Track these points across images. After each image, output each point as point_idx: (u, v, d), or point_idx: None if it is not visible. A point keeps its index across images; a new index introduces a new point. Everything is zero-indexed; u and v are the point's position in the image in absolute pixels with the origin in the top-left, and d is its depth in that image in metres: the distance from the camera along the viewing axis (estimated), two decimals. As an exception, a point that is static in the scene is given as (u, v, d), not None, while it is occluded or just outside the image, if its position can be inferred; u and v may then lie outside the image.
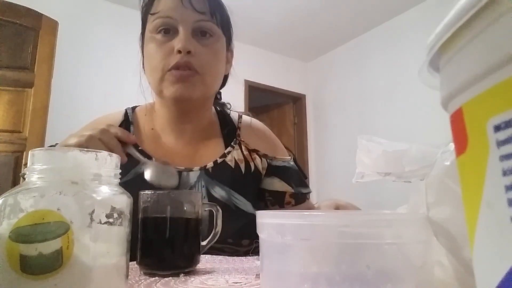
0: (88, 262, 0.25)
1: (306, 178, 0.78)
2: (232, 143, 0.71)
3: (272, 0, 3.05)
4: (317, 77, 4.15)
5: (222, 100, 0.83)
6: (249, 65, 3.61)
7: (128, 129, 0.69)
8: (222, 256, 0.56)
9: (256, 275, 0.40)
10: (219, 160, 0.68)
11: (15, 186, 0.27)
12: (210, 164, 0.67)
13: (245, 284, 0.36)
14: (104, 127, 0.53)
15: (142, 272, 0.42)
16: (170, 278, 0.39)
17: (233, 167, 0.68)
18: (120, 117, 0.71)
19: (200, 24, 0.63)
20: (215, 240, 0.48)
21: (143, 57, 0.69)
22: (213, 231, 0.48)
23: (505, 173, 0.10)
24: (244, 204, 0.65)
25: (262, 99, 4.09)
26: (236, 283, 0.36)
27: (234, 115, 0.78)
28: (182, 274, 0.41)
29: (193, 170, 0.65)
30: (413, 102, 2.96)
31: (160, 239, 0.42)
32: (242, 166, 0.69)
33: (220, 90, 0.81)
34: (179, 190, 0.62)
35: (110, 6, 2.99)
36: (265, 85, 3.85)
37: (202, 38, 0.64)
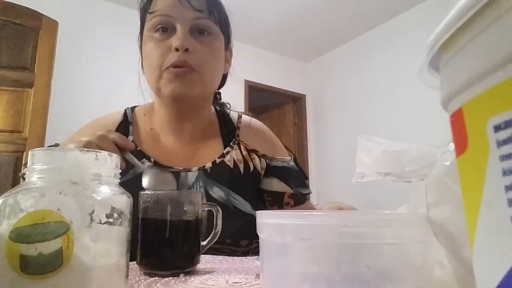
0: (88, 262, 0.25)
1: (307, 178, 0.78)
2: (231, 143, 0.71)
3: (272, 0, 3.05)
4: (317, 77, 4.15)
5: (222, 100, 0.83)
6: (249, 65, 3.61)
7: (127, 129, 0.69)
8: (222, 256, 0.56)
9: (256, 275, 0.40)
10: (218, 160, 0.68)
11: (15, 186, 0.27)
12: (208, 164, 0.67)
13: (245, 284, 0.36)
14: (102, 132, 0.53)
15: (142, 272, 0.42)
16: (170, 278, 0.39)
17: (232, 167, 0.68)
18: (119, 117, 0.71)
19: (198, 22, 0.63)
20: (215, 240, 0.48)
21: (141, 56, 0.69)
22: (213, 231, 0.48)
23: (505, 173, 0.10)
24: (242, 204, 0.65)
25: (262, 99, 4.09)
26: (236, 283, 0.36)
27: (233, 115, 0.78)
28: (182, 274, 0.41)
29: (191, 171, 0.65)
30: (413, 102, 2.96)
31: (160, 239, 0.42)
32: (241, 166, 0.69)
33: (220, 90, 0.81)
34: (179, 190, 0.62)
35: (110, 6, 2.99)
36: (265, 85, 3.85)
37: (200, 36, 0.64)
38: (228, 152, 0.70)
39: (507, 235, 0.10)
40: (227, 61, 0.74)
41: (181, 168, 0.65)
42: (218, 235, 0.48)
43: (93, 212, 0.25)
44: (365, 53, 3.56)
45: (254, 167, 0.70)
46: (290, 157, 0.76)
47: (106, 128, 0.68)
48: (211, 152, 0.70)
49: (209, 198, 0.63)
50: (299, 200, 0.71)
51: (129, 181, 0.61)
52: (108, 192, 0.28)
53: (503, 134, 0.10)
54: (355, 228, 0.20)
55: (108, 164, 0.29)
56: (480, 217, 0.12)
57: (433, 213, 0.23)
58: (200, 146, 0.70)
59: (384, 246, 0.21)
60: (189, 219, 0.44)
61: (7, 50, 2.33)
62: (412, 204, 0.28)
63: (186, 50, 0.60)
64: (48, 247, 0.23)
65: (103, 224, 0.26)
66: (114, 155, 0.30)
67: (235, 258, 0.54)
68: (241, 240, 0.63)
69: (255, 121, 0.79)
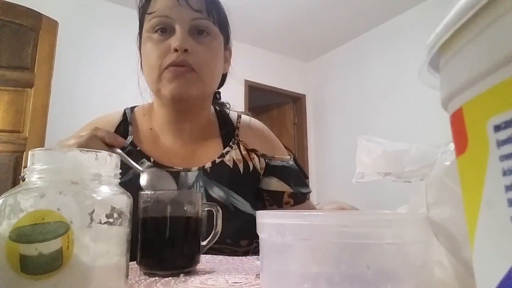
0: (88, 262, 0.25)
1: (307, 178, 0.77)
2: (230, 143, 0.71)
3: (272, 0, 3.05)
4: (317, 77, 4.15)
5: (221, 100, 0.83)
6: (249, 65, 3.61)
7: (127, 129, 0.69)
8: (222, 256, 0.56)
9: (256, 275, 0.40)
10: (218, 160, 0.68)
11: (15, 186, 0.27)
12: (208, 164, 0.67)
13: (245, 284, 0.36)
14: (90, 132, 0.52)
15: (142, 272, 0.42)
16: (170, 278, 0.39)
17: (231, 167, 0.68)
18: (118, 117, 0.71)
19: (197, 22, 0.63)
20: (215, 239, 0.48)
21: (141, 57, 0.69)
22: (213, 231, 0.48)
23: (505, 173, 0.10)
24: (242, 204, 0.65)
25: (262, 99, 4.09)
26: (236, 283, 0.36)
27: (233, 115, 0.78)
28: (182, 274, 0.41)
29: (191, 171, 0.65)
30: (413, 102, 2.96)
31: (160, 239, 0.42)
32: (241, 166, 0.69)
33: (220, 90, 0.81)
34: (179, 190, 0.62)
35: (110, 6, 2.99)
36: (265, 85, 3.85)
37: (199, 37, 0.64)
38: (227, 152, 0.70)
39: (507, 235, 0.10)
40: (227, 60, 0.74)
41: (181, 168, 0.65)
42: (218, 235, 0.48)
43: (93, 212, 0.25)
44: (365, 53, 3.56)
45: (254, 167, 0.70)
46: (289, 157, 0.76)
47: (106, 128, 0.68)
48: (210, 152, 0.70)
49: (209, 198, 0.63)
50: (299, 199, 0.71)
51: (129, 181, 0.61)
52: (108, 192, 0.28)
53: (503, 134, 0.10)
54: (355, 228, 0.20)
55: (108, 164, 0.29)
56: (480, 217, 0.12)
57: (433, 213, 0.23)
58: (199, 146, 0.70)
59: (384, 246, 0.21)
60: (189, 219, 0.44)
61: (7, 50, 2.33)
62: (412, 204, 0.28)
63: (185, 50, 0.60)
64: (48, 247, 0.23)
65: (103, 224, 0.26)
66: (114, 155, 0.30)
67: (235, 258, 0.54)
68: (241, 240, 0.63)
69: (254, 121, 0.79)
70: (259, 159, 0.71)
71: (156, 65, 0.61)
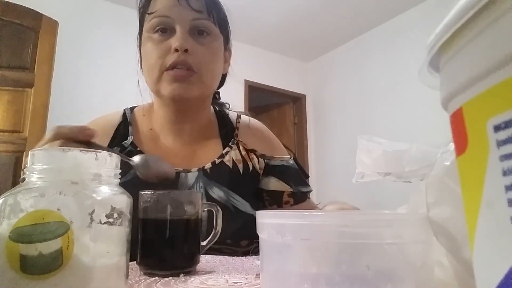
0: (88, 262, 0.25)
1: (308, 177, 0.77)
2: (230, 143, 0.71)
3: (272, 0, 3.05)
4: (317, 77, 4.15)
5: (221, 100, 0.83)
6: (249, 65, 3.61)
7: (127, 130, 0.69)
8: (222, 256, 0.56)
9: (256, 275, 0.40)
10: (217, 161, 0.68)
11: (15, 186, 0.27)
12: (208, 165, 0.67)
13: (245, 284, 0.36)
14: (52, 132, 0.47)
15: (142, 272, 0.42)
16: (170, 278, 0.39)
17: (231, 167, 0.68)
18: (118, 118, 0.71)
19: (197, 23, 0.63)
20: (215, 239, 0.48)
21: (140, 57, 0.69)
22: (213, 231, 0.48)
23: (505, 173, 0.10)
24: (242, 204, 0.65)
25: (262, 99, 4.09)
26: (236, 283, 0.36)
27: (232, 115, 0.78)
28: (182, 274, 0.41)
29: (191, 171, 0.65)
30: (413, 102, 2.96)
31: (160, 239, 0.42)
32: (240, 166, 0.69)
33: (219, 90, 0.81)
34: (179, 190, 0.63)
35: (110, 6, 2.99)
36: (265, 85, 3.85)
37: (199, 37, 0.64)
38: (227, 152, 0.70)
39: (507, 235, 0.10)
40: (226, 61, 0.74)
41: (181, 169, 0.65)
42: (218, 235, 0.48)
43: (93, 212, 0.25)
44: (365, 53, 3.56)
45: (253, 167, 0.70)
46: (289, 156, 0.75)
47: (106, 129, 0.68)
48: (210, 152, 0.70)
49: (209, 198, 0.63)
50: (299, 198, 0.71)
51: (129, 181, 0.61)
52: (108, 192, 0.28)
53: (503, 134, 0.10)
54: (355, 228, 0.20)
55: (108, 164, 0.29)
56: (480, 217, 0.12)
57: (433, 213, 0.23)
58: (199, 146, 0.70)
59: (384, 246, 0.21)
60: (189, 219, 0.44)
61: (7, 50, 2.33)
62: (412, 204, 0.28)
63: (186, 50, 0.60)
64: (48, 247, 0.23)
65: (103, 224, 0.26)
66: (114, 155, 0.30)
67: (235, 258, 0.54)
68: (241, 240, 0.63)
69: (253, 121, 0.79)
70: (258, 159, 0.71)
71: (156, 65, 0.61)
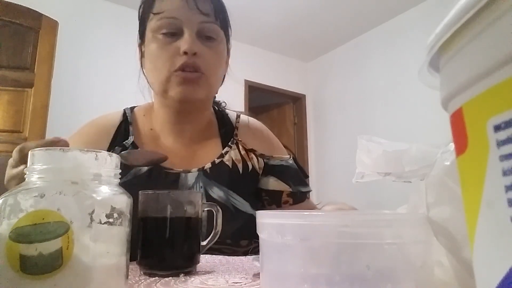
0: (88, 262, 0.25)
1: (307, 177, 0.77)
2: (229, 143, 0.71)
3: (272, 0, 3.05)
4: (317, 77, 4.15)
5: (217, 99, 0.84)
6: (249, 65, 3.61)
7: (128, 130, 0.69)
8: (222, 256, 0.56)
9: (254, 274, 0.40)
10: (217, 161, 0.68)
11: (15, 186, 0.27)
12: (208, 165, 0.67)
13: (245, 284, 0.36)
14: (18, 154, 0.45)
15: (142, 272, 0.42)
16: (170, 278, 0.39)
17: (230, 167, 0.68)
18: (118, 118, 0.71)
19: (204, 26, 0.63)
20: (216, 239, 0.48)
21: (140, 54, 0.69)
22: (213, 231, 0.48)
23: (505, 173, 0.10)
24: (242, 204, 0.65)
25: (262, 99, 4.09)
26: (236, 283, 0.36)
27: (232, 115, 0.78)
28: (182, 274, 0.41)
29: (191, 172, 0.65)
30: (413, 102, 2.96)
31: (160, 239, 0.42)
32: (240, 166, 0.69)
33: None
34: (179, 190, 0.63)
35: (110, 6, 2.99)
36: (265, 85, 3.85)
37: (205, 40, 0.64)
38: (227, 152, 0.70)
39: (507, 235, 0.10)
40: (226, 61, 0.74)
41: (181, 169, 0.65)
42: (218, 235, 0.48)
43: (93, 212, 0.25)
44: (365, 53, 3.56)
45: (253, 166, 0.70)
46: (288, 156, 0.75)
47: (107, 128, 0.68)
48: (210, 152, 0.70)
49: (209, 198, 0.63)
50: (298, 198, 0.71)
51: (129, 181, 0.61)
52: (108, 192, 0.28)
53: (503, 134, 0.10)
54: (355, 228, 0.20)
55: (108, 164, 0.29)
56: (480, 217, 0.12)
57: (433, 213, 0.23)
58: (199, 146, 0.71)
59: (384, 246, 0.21)
60: (189, 219, 0.44)
61: (7, 50, 2.33)
62: (412, 204, 0.28)
63: (194, 54, 0.61)
64: (48, 247, 0.23)
65: (103, 224, 0.26)
66: (114, 155, 0.30)
67: (235, 258, 0.54)
68: (241, 240, 0.63)
69: (253, 121, 0.79)
70: (257, 159, 0.71)
71: (165, 67, 0.61)
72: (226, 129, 0.74)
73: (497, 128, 0.11)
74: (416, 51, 2.87)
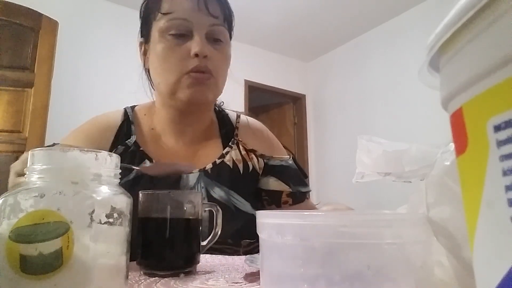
0: (88, 262, 0.25)
1: (307, 177, 0.77)
2: (230, 143, 0.71)
3: (272, 0, 3.05)
4: (317, 77, 4.15)
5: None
6: (249, 65, 3.61)
7: (130, 129, 0.69)
8: (222, 256, 0.56)
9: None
10: (218, 161, 0.68)
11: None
12: (209, 166, 0.67)
13: (245, 284, 0.36)
14: (22, 165, 0.46)
15: (142, 272, 0.42)
16: (170, 278, 0.39)
17: (231, 167, 0.68)
18: (120, 117, 0.70)
19: (214, 29, 0.63)
20: (215, 240, 0.48)
21: (141, 51, 0.68)
22: (213, 231, 0.48)
23: (505, 173, 0.10)
24: (243, 204, 0.65)
25: (262, 99, 4.09)
26: (236, 283, 0.36)
27: (232, 115, 0.79)
28: (182, 274, 0.41)
29: (192, 172, 0.65)
30: (413, 102, 2.96)
31: (160, 239, 0.42)
32: (240, 166, 0.69)
33: None
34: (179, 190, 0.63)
35: (110, 6, 2.99)
36: (265, 85, 3.85)
37: (213, 42, 0.64)
38: (227, 152, 0.70)
39: (507, 235, 0.10)
40: None
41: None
42: (218, 235, 0.48)
43: (93, 212, 0.25)
44: (365, 53, 3.56)
45: (253, 167, 0.70)
46: (288, 156, 0.76)
47: (110, 128, 0.67)
48: (211, 152, 0.70)
49: (210, 198, 0.63)
50: (298, 198, 0.71)
51: (129, 181, 0.61)
52: (108, 192, 0.28)
53: (503, 134, 0.10)
54: (355, 228, 0.20)
55: (108, 164, 0.29)
56: (480, 217, 0.12)
57: (433, 213, 0.23)
58: (200, 147, 0.71)
59: (384, 246, 0.21)
60: (189, 219, 0.44)
61: (7, 50, 2.33)
62: (412, 204, 0.28)
63: (205, 56, 0.61)
64: (48, 247, 0.23)
65: (103, 224, 0.26)
66: (114, 155, 0.30)
67: (235, 258, 0.54)
68: (242, 240, 0.63)
69: (253, 121, 0.79)
70: (258, 159, 0.71)
71: (175, 69, 0.61)
72: (227, 129, 0.74)
73: (497, 128, 0.11)
74: (416, 51, 2.87)
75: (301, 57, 4.14)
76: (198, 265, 0.45)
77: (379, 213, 0.25)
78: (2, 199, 0.25)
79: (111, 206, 0.27)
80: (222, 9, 0.65)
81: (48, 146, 0.58)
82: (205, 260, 0.51)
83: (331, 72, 3.96)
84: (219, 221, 0.48)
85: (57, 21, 2.57)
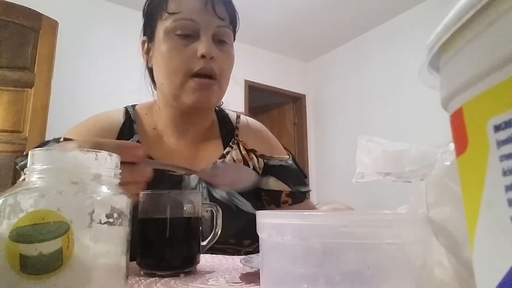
0: (88, 262, 0.25)
1: (306, 177, 0.77)
2: (230, 143, 0.71)
3: (272, 0, 3.05)
4: (317, 77, 4.15)
5: None
6: (249, 65, 3.61)
7: (132, 128, 0.68)
8: (222, 255, 0.56)
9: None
10: (219, 161, 0.68)
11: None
12: (210, 166, 0.67)
13: (245, 284, 0.36)
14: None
15: (142, 272, 0.42)
16: (170, 278, 0.39)
17: None
18: (121, 116, 0.69)
19: (220, 30, 0.63)
20: (215, 240, 0.48)
21: (143, 49, 0.68)
22: (213, 231, 0.48)
23: (505, 173, 0.10)
24: (244, 204, 0.65)
25: (262, 99, 4.09)
26: (236, 283, 0.36)
27: (232, 115, 0.79)
28: (182, 274, 0.41)
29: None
30: (413, 102, 2.96)
31: (160, 239, 0.42)
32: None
33: None
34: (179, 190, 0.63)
35: (110, 6, 2.99)
36: (265, 85, 3.85)
37: (218, 44, 0.64)
38: (228, 152, 0.70)
39: (507, 235, 0.10)
40: None
41: (183, 171, 0.65)
42: (218, 235, 0.48)
43: (93, 212, 0.25)
44: (365, 53, 3.56)
45: (253, 166, 0.70)
46: (288, 156, 0.76)
47: (112, 127, 0.66)
48: (211, 152, 0.70)
49: (212, 198, 0.63)
50: (298, 198, 0.71)
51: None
52: (108, 192, 0.28)
53: (503, 134, 0.10)
54: (355, 228, 0.20)
55: (108, 164, 0.29)
56: (480, 217, 0.12)
57: (433, 213, 0.23)
58: (201, 147, 0.71)
59: (384, 246, 0.21)
60: (189, 219, 0.44)
61: (7, 50, 2.33)
62: (412, 204, 0.28)
63: (211, 57, 0.60)
64: (48, 247, 0.23)
65: (103, 224, 0.26)
66: (114, 155, 0.30)
67: (235, 257, 0.54)
68: (244, 240, 0.63)
69: (252, 121, 0.79)
70: (257, 160, 0.71)
71: (180, 70, 0.60)
72: (227, 129, 0.74)
73: (497, 128, 0.11)
74: (416, 51, 2.87)
75: (301, 57, 4.14)
76: (198, 265, 0.45)
77: (379, 213, 0.25)
78: (2, 199, 0.25)
79: (111, 206, 0.27)
80: (228, 11, 0.65)
81: (47, 141, 0.58)
82: (205, 260, 0.51)
83: (331, 72, 3.96)
84: (219, 221, 0.48)
85: (57, 21, 2.57)
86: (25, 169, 0.27)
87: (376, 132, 3.21)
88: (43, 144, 0.59)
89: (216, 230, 0.48)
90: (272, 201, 0.70)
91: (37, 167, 0.26)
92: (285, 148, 0.79)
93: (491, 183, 0.11)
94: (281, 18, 3.31)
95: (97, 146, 0.36)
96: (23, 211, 0.24)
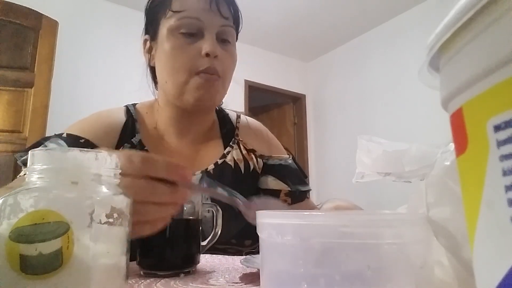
0: (88, 262, 0.25)
1: (306, 177, 0.77)
2: (231, 143, 0.71)
3: (272, 0, 3.05)
4: (317, 77, 4.15)
5: None
6: (249, 65, 3.61)
7: (134, 128, 0.67)
8: (222, 255, 0.56)
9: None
10: (220, 161, 0.68)
11: (15, 186, 0.27)
12: (211, 167, 0.67)
13: (245, 284, 0.36)
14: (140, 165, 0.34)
15: (142, 272, 0.42)
16: (170, 278, 0.39)
17: (233, 167, 0.68)
18: (122, 115, 0.69)
19: (224, 29, 0.63)
20: (216, 240, 0.48)
21: (144, 48, 0.68)
22: (213, 231, 0.48)
23: (505, 173, 0.10)
24: None
25: (262, 99, 4.09)
26: (236, 283, 0.36)
27: (232, 115, 0.79)
28: (182, 274, 0.41)
29: (195, 174, 0.65)
30: (413, 102, 2.96)
31: (160, 239, 0.42)
32: (242, 165, 0.69)
33: None
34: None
35: (110, 6, 2.99)
36: (265, 85, 3.85)
37: (221, 43, 0.64)
38: (228, 152, 0.70)
39: (507, 235, 0.10)
40: None
41: None
42: (218, 235, 0.48)
43: (93, 212, 0.25)
44: (365, 53, 3.56)
45: (254, 166, 0.70)
46: (287, 156, 0.76)
47: (114, 126, 0.66)
48: (212, 153, 0.70)
49: (213, 199, 0.63)
50: (297, 197, 0.70)
51: None
52: (108, 192, 0.28)
53: (503, 134, 0.10)
54: (355, 228, 0.20)
55: (108, 164, 0.29)
56: (480, 217, 0.12)
57: (433, 213, 0.23)
58: (202, 146, 0.71)
59: (384, 246, 0.21)
60: (189, 219, 0.44)
61: (7, 50, 2.33)
62: (412, 204, 0.28)
63: (216, 56, 0.61)
64: (48, 247, 0.23)
65: (103, 224, 0.26)
66: (114, 155, 0.30)
67: (235, 257, 0.54)
68: (245, 240, 0.63)
69: (252, 121, 0.79)
70: (257, 160, 0.71)
71: (184, 68, 0.60)
72: (227, 129, 0.74)
73: (497, 128, 0.11)
74: (416, 51, 2.87)
75: (301, 57, 4.14)
76: (198, 265, 0.45)
77: (379, 213, 0.25)
78: (2, 199, 0.25)
79: (111, 206, 0.27)
80: (232, 10, 0.65)
81: (47, 137, 0.58)
82: (205, 260, 0.51)
83: (331, 72, 3.96)
84: (219, 221, 0.48)
85: (57, 21, 2.57)
86: (25, 169, 0.27)
87: (376, 132, 3.21)
88: (44, 139, 0.59)
89: (216, 230, 0.48)
90: None
91: (37, 167, 0.26)
92: (285, 148, 0.79)
93: (491, 183, 0.11)
94: (281, 18, 3.31)
95: (147, 160, 0.35)
96: (23, 211, 0.24)
